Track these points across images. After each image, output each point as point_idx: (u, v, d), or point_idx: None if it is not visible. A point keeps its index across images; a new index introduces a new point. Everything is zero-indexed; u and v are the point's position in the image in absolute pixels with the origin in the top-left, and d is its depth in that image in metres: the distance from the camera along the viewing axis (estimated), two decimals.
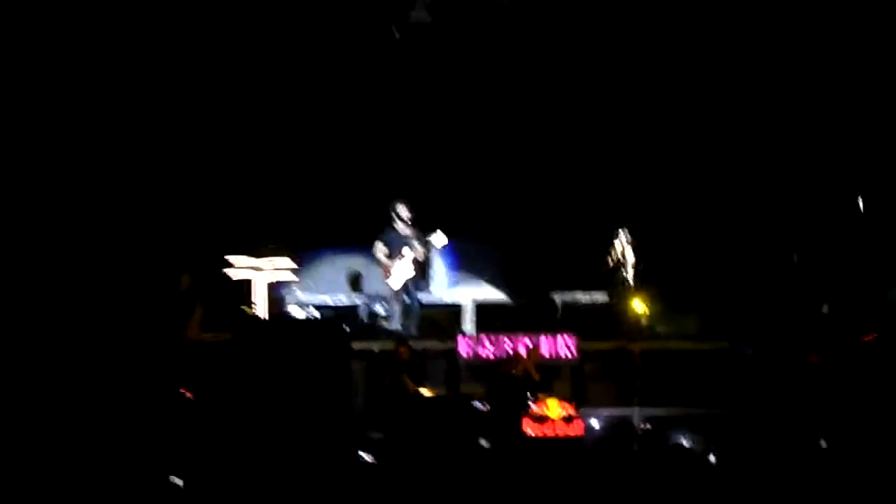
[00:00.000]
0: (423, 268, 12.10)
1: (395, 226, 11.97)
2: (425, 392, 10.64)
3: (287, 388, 9.17)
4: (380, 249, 11.89)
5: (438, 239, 11.88)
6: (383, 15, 12.99)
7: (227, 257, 11.83)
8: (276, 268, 11.82)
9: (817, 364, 10.89)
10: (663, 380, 11.41)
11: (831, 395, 10.42)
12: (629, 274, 12.09)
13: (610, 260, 12.12)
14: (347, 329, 10.87)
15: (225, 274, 11.74)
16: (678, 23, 13.20)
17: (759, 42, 13.14)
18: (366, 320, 12.32)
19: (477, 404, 10.55)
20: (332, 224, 13.04)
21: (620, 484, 9.39)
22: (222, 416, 9.08)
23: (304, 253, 12.65)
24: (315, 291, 12.79)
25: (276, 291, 12.12)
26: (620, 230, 12.17)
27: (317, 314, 11.99)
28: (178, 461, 8.66)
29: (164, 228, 11.97)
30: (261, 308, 11.63)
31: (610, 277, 12.20)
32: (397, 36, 12.76)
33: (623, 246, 12.07)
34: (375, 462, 9.46)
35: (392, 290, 11.91)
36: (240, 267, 11.74)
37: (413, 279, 11.91)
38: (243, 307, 11.63)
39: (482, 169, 13.51)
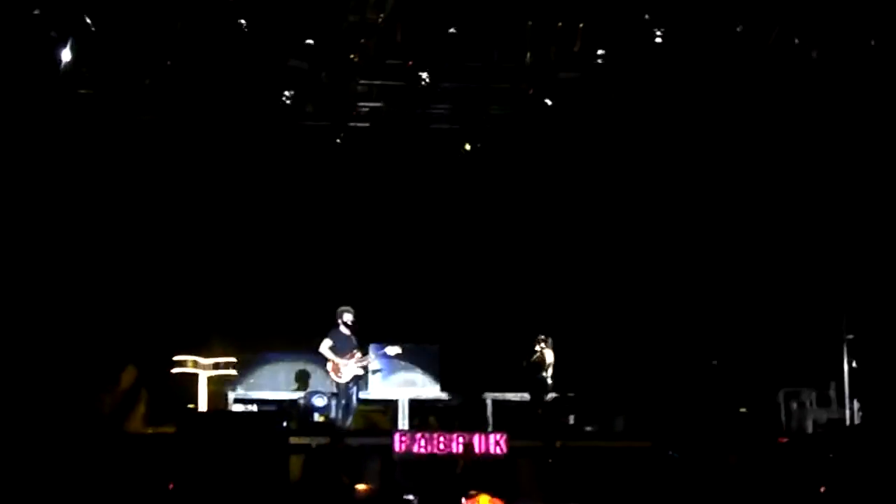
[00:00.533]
0: (366, 369, 12.73)
1: (340, 329, 12.56)
2: (360, 487, 11.05)
3: (225, 481, 9.60)
4: (326, 346, 12.43)
5: (392, 349, 12.81)
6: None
7: (173, 355, 12.38)
8: (219, 365, 12.34)
9: (735, 464, 11.48)
10: (591, 477, 11.81)
11: (748, 496, 10.99)
12: (549, 374, 12.75)
13: (526, 362, 12.77)
14: (285, 424, 11.39)
15: (170, 370, 12.24)
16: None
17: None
18: (307, 414, 12.78)
19: (409, 497, 10.97)
20: (276, 327, 13.66)
21: None
22: None
23: (248, 353, 13.26)
24: (257, 388, 13.27)
25: (218, 388, 12.60)
26: (541, 335, 12.83)
27: (254, 409, 12.48)
28: None
29: (113, 322, 12.44)
30: (202, 403, 12.08)
31: (531, 378, 12.81)
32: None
33: (542, 350, 12.72)
34: None
35: (339, 385, 12.41)
36: (184, 363, 12.22)
37: (356, 378, 12.47)
38: (188, 405, 12.11)
39: (417, 279, 14.32)
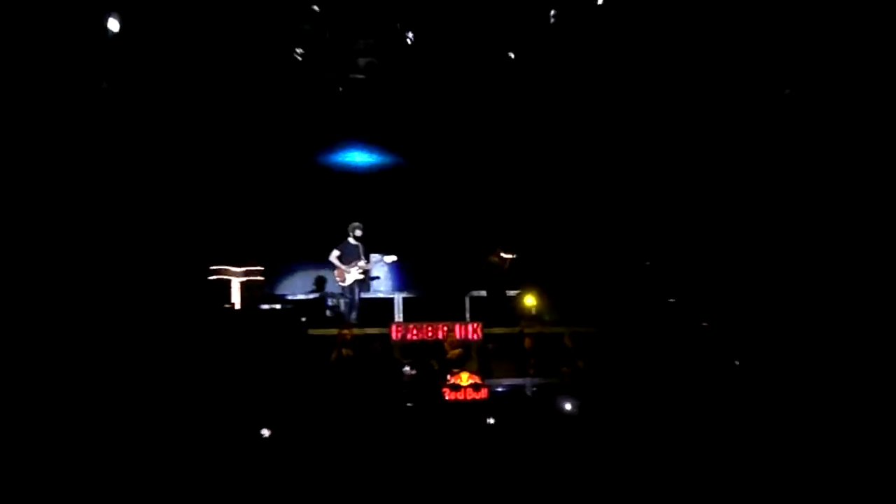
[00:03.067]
0: (366, 274, 15.24)
1: (349, 240, 15.09)
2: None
3: (256, 362, 12.26)
4: (334, 255, 14.95)
5: (389, 258, 15.31)
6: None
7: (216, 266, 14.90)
8: (249, 272, 14.77)
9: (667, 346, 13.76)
10: (549, 357, 14.30)
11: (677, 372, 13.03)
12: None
13: (485, 265, 15.32)
14: (303, 318, 14.24)
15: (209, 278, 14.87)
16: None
17: None
18: (321, 310, 15.52)
19: (406, 369, 13.50)
20: (298, 242, 16.10)
21: (515, 433, 11.83)
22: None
23: (278, 265, 15.97)
24: (281, 291, 15.98)
25: (250, 291, 14.97)
26: (499, 246, 15.32)
27: (278, 307, 15.00)
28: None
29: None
30: (237, 303, 14.72)
31: (489, 278, 15.39)
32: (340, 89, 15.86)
33: (500, 256, 15.27)
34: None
35: (343, 287, 15.00)
36: (221, 272, 14.78)
37: (358, 282, 15.00)
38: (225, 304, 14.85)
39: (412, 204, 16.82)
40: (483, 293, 15.46)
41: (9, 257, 12.09)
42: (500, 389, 14.03)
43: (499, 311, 15.12)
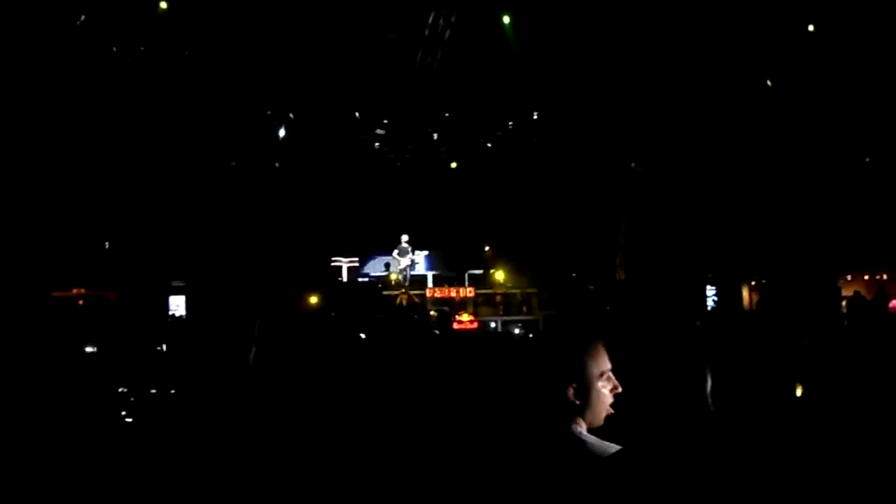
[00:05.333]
0: (412, 262, 26.86)
1: (402, 244, 26.61)
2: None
3: (356, 309, 24.06)
4: (395, 252, 26.29)
5: (423, 253, 27.22)
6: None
7: (331, 257, 27.16)
8: (352, 260, 27.31)
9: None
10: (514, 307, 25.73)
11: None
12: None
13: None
14: (380, 286, 26.81)
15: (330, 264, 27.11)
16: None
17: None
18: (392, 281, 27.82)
19: (433, 313, 25.64)
20: (377, 241, 26.49)
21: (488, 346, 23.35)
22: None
23: (364, 257, 27.95)
24: (367, 272, 28.14)
25: (351, 273, 27.34)
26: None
27: (366, 280, 27.22)
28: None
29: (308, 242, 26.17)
30: (345, 279, 27.09)
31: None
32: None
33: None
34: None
35: (400, 269, 26.97)
36: (336, 260, 27.20)
37: (409, 265, 26.73)
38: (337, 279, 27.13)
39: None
40: (479, 271, 27.30)
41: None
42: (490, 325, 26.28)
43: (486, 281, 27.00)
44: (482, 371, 6.60)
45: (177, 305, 22.74)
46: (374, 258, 26.92)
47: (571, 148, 23.61)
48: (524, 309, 24.48)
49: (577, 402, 3.77)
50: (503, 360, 5.61)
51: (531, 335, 12.22)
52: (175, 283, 22.93)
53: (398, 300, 22.80)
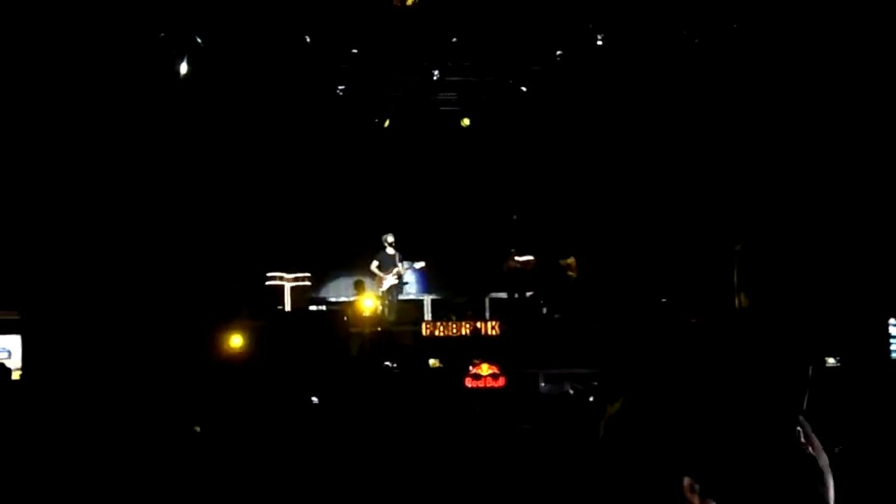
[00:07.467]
0: (400, 279, 17.78)
1: (386, 250, 17.50)
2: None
3: (304, 354, 14.77)
4: (374, 265, 17.42)
5: (419, 264, 17.91)
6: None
7: (267, 273, 17.73)
8: (299, 279, 17.60)
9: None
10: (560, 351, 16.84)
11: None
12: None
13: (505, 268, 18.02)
14: (345, 318, 16.71)
15: (265, 283, 17.61)
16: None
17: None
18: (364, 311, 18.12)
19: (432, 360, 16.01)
20: (339, 252, 18.78)
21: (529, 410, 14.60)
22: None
23: (319, 271, 18.63)
24: (326, 294, 18.77)
25: (299, 295, 17.89)
26: (512, 249, 17.98)
27: (324, 308, 17.82)
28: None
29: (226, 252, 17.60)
30: (287, 305, 17.47)
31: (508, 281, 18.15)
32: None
33: (514, 260, 17.89)
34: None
35: (381, 293, 17.50)
36: (274, 278, 17.59)
37: (395, 286, 17.56)
38: (278, 306, 17.45)
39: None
40: (500, 295, 18.06)
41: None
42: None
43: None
44: None
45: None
46: (338, 275, 19.24)
47: (660, 95, 17.90)
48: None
49: None
50: None
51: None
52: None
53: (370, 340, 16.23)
